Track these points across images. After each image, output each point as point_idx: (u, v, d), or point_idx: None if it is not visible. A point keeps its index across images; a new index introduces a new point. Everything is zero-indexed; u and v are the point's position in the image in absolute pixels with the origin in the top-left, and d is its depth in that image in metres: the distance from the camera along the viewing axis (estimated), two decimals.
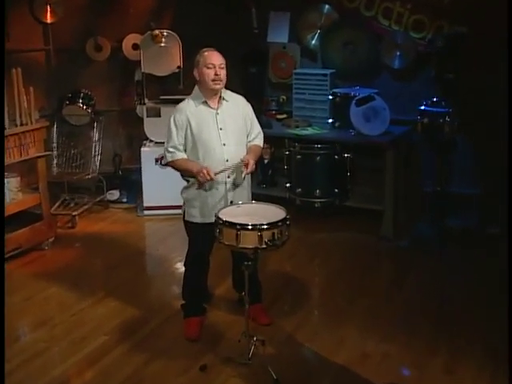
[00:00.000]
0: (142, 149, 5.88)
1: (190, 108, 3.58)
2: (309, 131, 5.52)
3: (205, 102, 3.58)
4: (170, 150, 3.58)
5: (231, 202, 3.55)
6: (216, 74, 3.50)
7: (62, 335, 3.87)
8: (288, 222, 3.25)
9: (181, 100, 5.58)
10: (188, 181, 3.67)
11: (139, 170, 5.99)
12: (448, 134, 4.77)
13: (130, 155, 6.52)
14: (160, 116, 5.85)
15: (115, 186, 6.29)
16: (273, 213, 3.30)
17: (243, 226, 3.11)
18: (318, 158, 5.33)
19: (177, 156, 3.57)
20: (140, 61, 5.78)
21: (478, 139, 5.25)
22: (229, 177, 3.58)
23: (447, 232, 5.21)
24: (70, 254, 5.12)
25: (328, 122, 5.62)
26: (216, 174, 3.48)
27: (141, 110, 5.94)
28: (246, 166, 3.48)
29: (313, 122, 5.69)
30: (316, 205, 5.38)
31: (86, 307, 4.22)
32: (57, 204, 5.89)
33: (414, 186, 5.61)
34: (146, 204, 5.90)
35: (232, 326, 3.86)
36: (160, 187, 5.82)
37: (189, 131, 3.56)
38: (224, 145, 3.55)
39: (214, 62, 3.50)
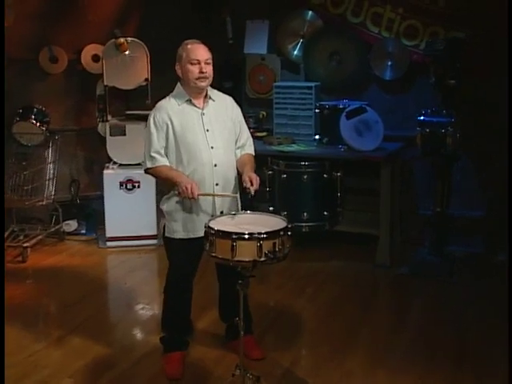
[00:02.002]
0: (105, 171, 5.68)
1: (172, 106, 3.42)
2: (294, 148, 5.40)
3: (189, 101, 3.42)
4: (152, 155, 3.39)
5: (221, 213, 3.36)
6: (201, 72, 3.35)
7: (18, 378, 3.55)
8: (290, 233, 3.07)
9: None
10: (169, 189, 3.46)
11: (100, 198, 5.83)
12: (451, 145, 4.70)
13: (90, 181, 6.32)
14: (125, 134, 5.70)
15: (72, 215, 6.08)
16: (272, 222, 3.11)
17: (240, 236, 2.91)
18: (306, 176, 5.19)
19: (158, 162, 3.39)
20: (102, 73, 5.64)
21: (480, 155, 5.22)
22: (217, 184, 3.40)
23: (450, 258, 5.12)
24: (22, 290, 4.85)
25: (314, 139, 5.52)
26: (200, 195, 3.32)
27: (103, 128, 5.76)
28: (251, 183, 3.31)
29: (296, 139, 5.59)
30: (304, 229, 5.22)
31: (43, 347, 3.95)
32: (4, 235, 5.59)
33: (411, 208, 5.53)
34: (108, 234, 5.70)
35: (220, 363, 3.66)
36: (125, 215, 5.67)
37: (171, 132, 3.38)
38: (212, 148, 3.39)
39: (198, 57, 3.36)
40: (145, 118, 5.56)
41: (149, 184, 5.64)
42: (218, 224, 3.07)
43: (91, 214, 6.17)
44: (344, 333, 4.08)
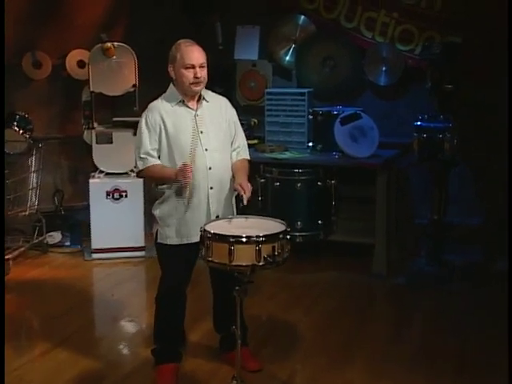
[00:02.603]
0: (91, 181, 5.64)
1: (165, 107, 3.40)
2: (287, 155, 5.40)
3: (182, 102, 3.40)
4: (142, 156, 3.35)
5: (217, 217, 3.33)
6: (196, 77, 3.33)
7: None
8: (289, 236, 3.05)
9: (137, 122, 5.59)
10: (162, 193, 3.42)
11: (86, 208, 5.78)
12: (448, 151, 4.72)
13: (74, 191, 6.26)
14: (112, 142, 5.67)
15: (56, 227, 6.01)
16: (270, 226, 3.09)
17: (238, 239, 2.88)
18: (299, 184, 5.19)
19: (149, 162, 3.35)
20: (88, 79, 5.61)
21: (478, 161, 5.24)
22: (212, 188, 3.37)
23: (448, 268, 5.12)
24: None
25: (308, 146, 5.51)
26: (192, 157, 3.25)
27: (89, 136, 5.72)
28: (244, 191, 3.28)
29: (289, 147, 5.58)
30: (297, 239, 5.19)
31: (28, 361, 3.87)
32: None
33: (408, 216, 5.54)
34: (94, 246, 5.64)
35: (215, 375, 3.60)
36: (112, 226, 5.62)
37: (163, 134, 3.35)
38: (206, 150, 3.36)
39: (193, 61, 3.33)
40: (132, 126, 5.61)
41: (136, 193, 5.62)
42: (215, 227, 3.04)
43: (76, 225, 6.10)
44: (342, 344, 4.04)
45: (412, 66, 5.48)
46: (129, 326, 4.42)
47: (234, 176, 3.45)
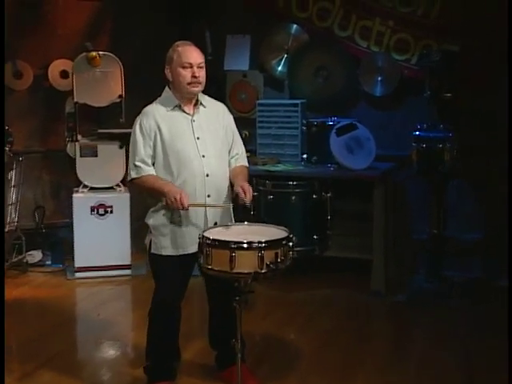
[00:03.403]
0: (74, 195, 5.60)
1: (160, 112, 3.39)
2: (280, 168, 5.40)
3: (178, 107, 3.40)
4: (137, 164, 3.33)
5: (215, 224, 3.31)
6: (194, 76, 3.34)
7: None
8: (291, 243, 3.03)
9: (123, 134, 5.60)
10: (157, 201, 3.40)
11: (68, 226, 5.74)
12: (449, 161, 4.75)
13: (56, 207, 6.21)
14: (97, 155, 5.65)
15: (36, 245, 5.96)
16: (271, 232, 3.08)
17: (239, 245, 2.86)
18: (294, 197, 5.18)
19: (143, 171, 3.33)
20: (72, 89, 5.60)
21: (478, 172, 5.27)
22: (209, 195, 3.36)
23: (448, 284, 5.13)
24: None
25: (302, 158, 5.52)
26: (191, 205, 3.26)
27: (72, 149, 5.69)
28: (244, 193, 3.28)
29: (282, 160, 5.59)
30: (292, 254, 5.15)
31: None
32: None
33: (406, 231, 5.54)
34: (77, 265, 5.59)
35: None
36: (96, 243, 5.58)
37: (159, 140, 3.34)
38: (203, 157, 3.35)
39: (191, 60, 3.35)
40: (119, 138, 5.64)
41: (122, 209, 5.59)
42: (214, 234, 3.02)
43: (57, 243, 6.04)
44: (342, 363, 4.02)
45: (408, 76, 5.52)
46: (114, 348, 4.36)
47: (231, 183, 3.45)
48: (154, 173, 3.36)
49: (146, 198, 3.50)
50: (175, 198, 3.20)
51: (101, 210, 5.58)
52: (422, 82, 5.16)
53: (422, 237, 5.38)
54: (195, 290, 3.63)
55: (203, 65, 3.40)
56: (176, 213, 3.32)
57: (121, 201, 5.60)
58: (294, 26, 5.87)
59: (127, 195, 5.63)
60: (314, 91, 5.83)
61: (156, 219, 3.41)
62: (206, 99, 3.51)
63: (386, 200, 5.15)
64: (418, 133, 4.87)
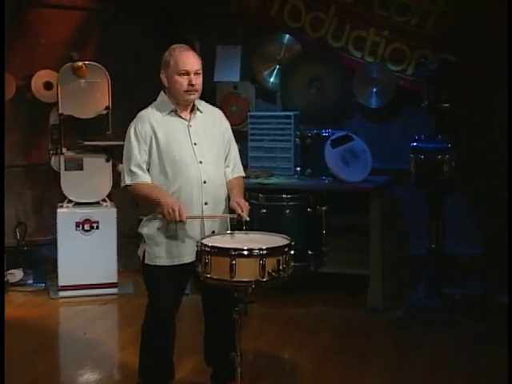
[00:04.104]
0: (59, 210, 5.58)
1: (156, 117, 3.39)
2: (274, 181, 5.41)
3: (174, 112, 3.40)
4: (133, 170, 3.32)
5: (213, 232, 3.30)
6: (191, 84, 3.35)
7: None
8: (292, 252, 3.03)
9: (110, 147, 5.59)
10: (151, 209, 3.38)
11: (51, 243, 5.72)
12: (447, 173, 4.78)
13: (39, 224, 6.15)
14: (82, 169, 5.63)
15: (17, 263, 5.89)
16: (273, 240, 3.08)
17: (240, 252, 2.85)
18: (288, 211, 5.16)
19: (139, 178, 3.32)
20: (57, 101, 5.60)
21: (477, 185, 5.32)
22: (206, 203, 3.35)
23: (448, 300, 5.13)
24: None
25: (296, 171, 5.53)
26: (189, 217, 3.26)
27: (57, 162, 5.67)
28: (242, 210, 3.30)
29: (274, 173, 5.60)
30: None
31: None
32: None
33: (403, 246, 5.57)
34: (61, 283, 5.56)
35: None
36: (81, 260, 5.55)
37: (154, 145, 3.34)
38: (200, 163, 3.35)
39: (187, 67, 3.35)
40: (105, 151, 5.64)
41: (109, 224, 5.58)
42: (213, 241, 3.01)
43: (39, 261, 5.98)
44: (341, 383, 4.01)
45: (404, 87, 5.58)
46: (101, 368, 4.31)
47: (228, 194, 3.45)
48: (150, 180, 3.34)
49: (140, 205, 3.48)
50: (173, 210, 3.18)
51: (86, 226, 5.56)
52: (419, 93, 5.19)
53: (420, 252, 5.41)
54: (185, 308, 3.59)
55: (200, 71, 3.41)
56: (172, 222, 3.30)
57: (107, 216, 5.58)
58: (287, 36, 5.92)
59: (114, 210, 5.61)
60: (307, 103, 5.87)
61: (150, 228, 3.40)
62: (202, 104, 3.52)
63: (382, 213, 5.16)
64: (415, 144, 4.89)
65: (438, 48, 5.39)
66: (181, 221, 3.22)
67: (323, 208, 5.25)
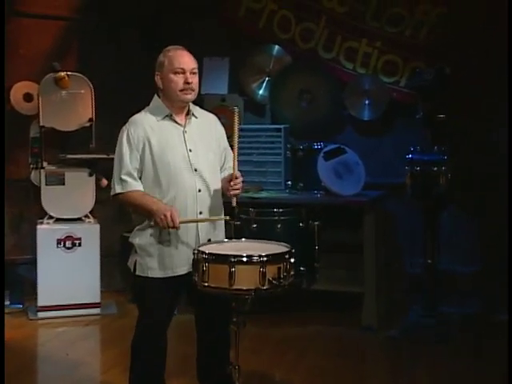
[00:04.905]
0: (39, 227, 5.53)
1: (150, 122, 3.37)
2: (264, 195, 5.42)
3: (169, 116, 3.39)
4: (123, 178, 3.30)
5: (209, 240, 3.28)
6: (187, 82, 3.35)
7: None
8: (292, 260, 3.03)
9: (93, 161, 5.57)
10: (143, 218, 3.36)
11: (29, 262, 5.67)
12: (443, 185, 4.83)
13: (17, 242, 6.06)
14: (64, 184, 5.60)
15: None
16: (271, 248, 3.08)
17: (240, 259, 2.84)
18: (280, 225, 5.18)
19: (130, 186, 3.30)
20: (37, 113, 5.57)
21: (474, 200, 5.36)
22: (201, 212, 3.33)
23: (445, 318, 5.16)
24: None
25: (286, 185, 5.55)
26: (182, 222, 3.24)
27: (37, 177, 5.63)
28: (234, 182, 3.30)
29: (264, 188, 5.61)
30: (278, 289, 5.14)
31: None
32: None
33: (398, 263, 5.59)
34: (41, 303, 5.50)
35: None
36: (62, 279, 5.51)
37: (147, 152, 3.31)
38: (195, 170, 3.34)
39: (183, 65, 3.36)
40: (88, 164, 5.62)
41: (92, 241, 5.55)
42: (210, 249, 3.00)
43: (17, 282, 5.90)
44: None
45: (397, 100, 5.63)
46: None
47: (223, 194, 3.44)
48: (142, 188, 3.32)
49: (132, 214, 3.45)
50: (165, 216, 3.16)
51: (68, 243, 5.52)
52: (412, 106, 5.27)
53: (415, 270, 5.43)
54: (170, 329, 3.55)
55: (196, 71, 3.42)
56: (165, 231, 3.28)
57: (90, 232, 5.55)
58: (276, 47, 5.97)
59: (97, 226, 5.58)
60: (298, 116, 5.90)
61: (142, 238, 3.36)
62: (197, 110, 3.52)
63: (376, 228, 5.18)
64: (411, 156, 4.94)
65: (431, 59, 5.44)
66: (174, 227, 3.19)
67: (316, 223, 5.27)
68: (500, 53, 5.00)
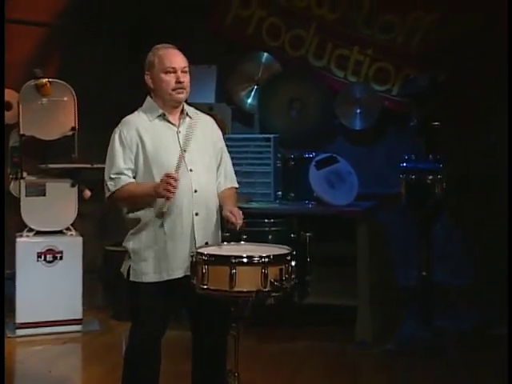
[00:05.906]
0: (18, 240, 5.50)
1: (142, 122, 3.40)
2: (254, 206, 5.45)
3: (162, 116, 3.42)
4: (113, 176, 3.32)
5: (206, 243, 3.30)
6: (178, 81, 3.38)
7: None
8: (293, 263, 3.06)
9: (76, 171, 5.57)
10: (137, 222, 3.37)
11: (10, 276, 5.58)
12: (439, 194, 4.89)
13: None
14: (45, 195, 5.58)
15: None
16: (270, 249, 3.11)
17: (240, 260, 2.86)
18: (270, 236, 5.19)
19: (122, 181, 3.32)
20: (17, 122, 5.55)
21: (468, 210, 5.42)
22: (197, 214, 3.35)
23: (440, 331, 5.19)
24: None
25: (276, 196, 5.57)
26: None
27: (16, 188, 5.59)
28: (235, 218, 3.32)
29: (254, 199, 5.63)
30: (268, 301, 5.14)
31: None
32: None
33: (392, 275, 5.62)
34: (19, 320, 5.45)
35: None
36: (42, 294, 5.47)
37: (141, 152, 3.34)
38: (191, 171, 3.36)
39: (174, 64, 3.39)
40: (70, 175, 5.61)
41: (74, 255, 5.53)
42: (209, 251, 3.02)
43: None
44: None
45: (389, 108, 5.71)
46: None
47: (220, 205, 3.46)
48: (134, 181, 3.34)
49: (124, 218, 3.45)
50: (164, 185, 3.17)
51: (49, 257, 5.49)
52: (404, 115, 5.35)
53: (409, 282, 5.47)
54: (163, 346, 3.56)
55: (187, 69, 3.44)
56: (160, 234, 3.30)
57: (72, 245, 5.53)
58: (265, 54, 6.03)
59: (79, 239, 5.56)
60: (287, 125, 5.95)
61: (136, 242, 3.36)
62: (191, 110, 3.54)
63: (369, 239, 5.21)
64: (406, 164, 5.00)
65: (424, 65, 5.52)
66: (175, 181, 3.18)
67: (307, 234, 5.30)
68: (497, 55, 5.08)
